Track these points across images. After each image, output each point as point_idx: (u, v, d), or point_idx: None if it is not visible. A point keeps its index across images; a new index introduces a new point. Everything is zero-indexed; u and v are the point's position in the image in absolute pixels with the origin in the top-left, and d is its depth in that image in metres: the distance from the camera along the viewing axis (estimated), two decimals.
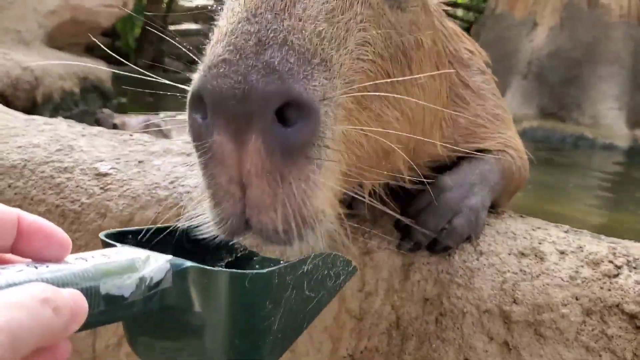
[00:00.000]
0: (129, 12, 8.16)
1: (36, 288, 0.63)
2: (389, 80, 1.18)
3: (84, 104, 5.86)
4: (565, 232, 1.56)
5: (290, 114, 0.91)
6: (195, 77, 0.95)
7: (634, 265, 1.44)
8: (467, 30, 12.58)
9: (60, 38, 6.69)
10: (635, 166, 7.81)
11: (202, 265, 0.84)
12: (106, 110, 3.82)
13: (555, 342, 1.36)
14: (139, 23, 11.05)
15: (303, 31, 0.98)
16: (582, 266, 1.43)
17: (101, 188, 1.58)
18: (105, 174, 1.60)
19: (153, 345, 0.89)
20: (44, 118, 1.92)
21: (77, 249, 1.54)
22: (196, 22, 13.66)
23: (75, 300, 0.67)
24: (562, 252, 1.46)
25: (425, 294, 1.41)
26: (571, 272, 1.41)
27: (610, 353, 1.35)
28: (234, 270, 0.85)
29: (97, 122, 3.96)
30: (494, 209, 1.64)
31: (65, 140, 1.73)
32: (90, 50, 9.25)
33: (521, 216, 1.64)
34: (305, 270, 0.91)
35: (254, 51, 0.92)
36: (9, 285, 0.63)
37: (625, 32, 9.32)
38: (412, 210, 1.46)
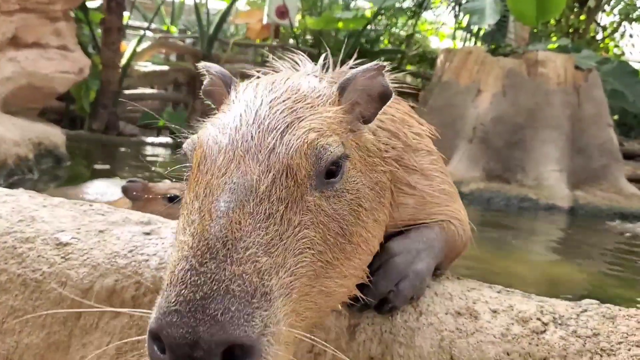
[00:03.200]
0: (85, 78, 8.22)
1: None
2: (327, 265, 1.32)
3: (37, 169, 5.85)
4: (498, 292, 1.69)
5: (236, 351, 1.08)
6: (153, 315, 1.12)
7: (559, 322, 1.57)
8: (415, 96, 13.06)
9: (15, 103, 6.70)
10: (576, 225, 8.14)
11: None
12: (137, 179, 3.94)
13: None
14: (94, 87, 11.09)
15: (244, 275, 1.14)
16: (512, 324, 1.56)
17: (62, 257, 1.65)
18: (66, 244, 1.68)
19: None
20: (5, 190, 1.98)
21: (38, 316, 1.59)
22: (151, 86, 13.81)
23: None
24: (494, 311, 1.59)
25: (370, 353, 1.51)
26: (502, 329, 1.54)
27: None
28: None
29: (125, 191, 4.01)
30: (436, 271, 1.78)
31: (27, 211, 1.80)
32: (43, 114, 9.23)
33: (458, 278, 1.77)
34: None
35: (201, 305, 1.09)
36: None
37: (563, 99, 9.85)
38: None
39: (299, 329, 1.23)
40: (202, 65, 1.64)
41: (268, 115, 1.36)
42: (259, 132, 1.32)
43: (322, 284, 1.31)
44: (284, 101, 1.41)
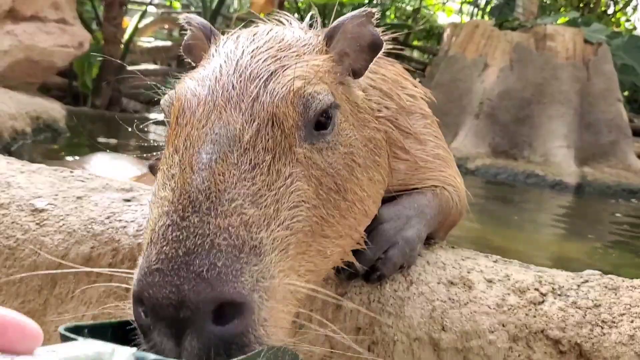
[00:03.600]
0: (85, 52, 8.12)
1: None
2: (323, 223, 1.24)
3: (34, 143, 5.80)
4: (494, 261, 1.61)
5: (225, 310, 1.00)
6: (135, 276, 1.03)
7: (558, 292, 1.49)
8: (422, 71, 12.90)
9: (14, 77, 6.63)
10: (583, 201, 8.05)
11: (163, 358, 0.88)
12: None
13: None
14: (96, 64, 10.99)
15: (230, 228, 1.05)
16: (508, 294, 1.48)
17: (37, 224, 1.57)
18: (42, 210, 1.60)
19: None
20: None
21: (11, 284, 1.53)
22: (155, 62, 13.70)
23: None
24: (489, 281, 1.51)
25: (357, 323, 1.44)
26: (498, 299, 1.46)
27: None
28: None
29: (152, 169, 3.91)
30: (430, 241, 1.70)
31: (2, 177, 1.72)
32: (47, 91, 9.15)
33: (452, 247, 1.69)
34: None
35: (184, 261, 1.00)
36: None
37: (571, 74, 9.70)
38: None
39: (301, 293, 1.16)
40: (183, 17, 1.55)
41: (250, 64, 1.28)
42: (241, 80, 1.24)
43: (319, 242, 1.24)
44: (267, 50, 1.33)
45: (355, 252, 1.46)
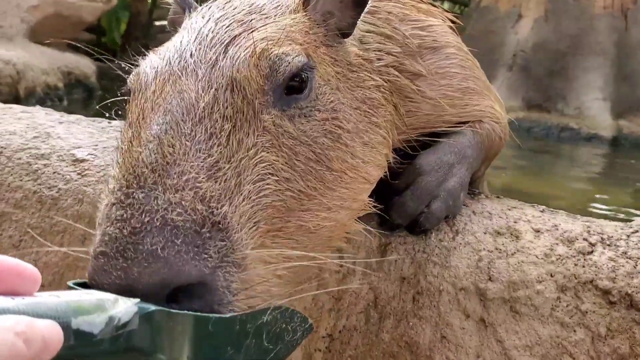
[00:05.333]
0: (113, 7, 8.10)
1: (10, 321, 0.67)
2: (300, 199, 1.14)
3: (68, 99, 5.85)
4: (541, 211, 1.57)
5: (192, 290, 0.92)
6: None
7: (607, 242, 1.46)
8: (453, 23, 12.58)
9: (44, 33, 6.64)
10: (619, 155, 7.87)
11: (168, 309, 0.87)
12: None
13: (530, 318, 1.38)
14: (124, 19, 10.96)
15: (183, 202, 0.96)
16: (556, 244, 1.44)
17: (78, 174, 1.58)
18: (83, 160, 1.60)
19: None
20: (21, 107, 1.91)
21: (55, 234, 1.54)
22: None
23: (50, 332, 0.71)
24: (537, 231, 1.48)
25: (402, 273, 1.42)
26: (546, 249, 1.43)
27: (585, 328, 1.37)
28: (198, 313, 0.89)
29: None
30: (474, 177, 1.66)
31: (42, 127, 1.72)
32: (75, 47, 9.18)
33: (497, 197, 1.65)
34: (264, 320, 0.96)
35: (131, 241, 0.92)
36: None
37: (609, 24, 9.38)
38: (392, 193, 1.47)
39: (285, 271, 1.07)
40: None
41: (212, 30, 1.19)
42: (200, 48, 1.16)
43: (299, 217, 1.14)
44: (233, 15, 1.24)
45: (396, 207, 1.42)
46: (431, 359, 1.39)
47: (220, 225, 0.98)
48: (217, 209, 0.99)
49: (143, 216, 0.94)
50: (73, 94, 6.17)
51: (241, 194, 1.03)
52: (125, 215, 0.95)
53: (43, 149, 1.63)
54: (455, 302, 1.39)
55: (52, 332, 0.71)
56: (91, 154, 1.62)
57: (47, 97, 5.42)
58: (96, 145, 1.66)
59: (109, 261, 0.91)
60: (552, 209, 1.62)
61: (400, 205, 1.43)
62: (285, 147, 1.13)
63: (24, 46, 5.70)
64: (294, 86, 1.18)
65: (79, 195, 1.54)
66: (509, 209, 1.54)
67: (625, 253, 1.42)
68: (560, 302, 1.38)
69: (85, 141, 1.68)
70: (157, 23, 12.11)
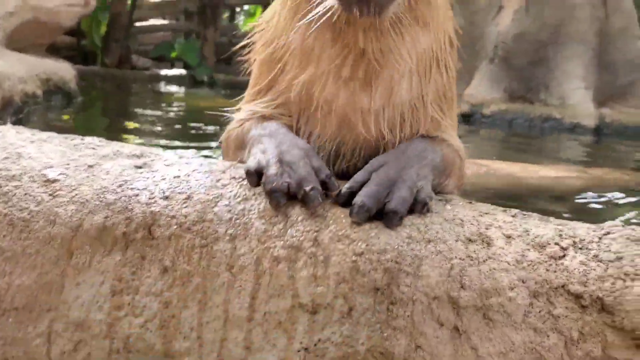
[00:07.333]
0: (91, 11, 8.02)
1: None
2: None
3: (46, 107, 5.79)
4: (513, 216, 1.58)
5: None
6: None
7: (579, 246, 1.47)
8: None
9: (21, 39, 6.57)
10: (602, 143, 7.93)
11: None
12: None
13: (503, 325, 1.39)
14: (104, 21, 10.87)
15: None
16: (528, 249, 1.46)
17: (50, 195, 1.57)
18: (54, 180, 1.59)
19: None
20: None
21: (27, 257, 1.53)
22: (163, 17, 13.50)
23: None
24: (508, 237, 1.49)
25: (375, 284, 1.42)
26: (517, 255, 1.44)
27: (558, 333, 1.38)
28: None
29: None
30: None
31: (12, 147, 1.71)
32: (56, 51, 9.09)
33: (470, 202, 1.66)
34: None
35: None
36: None
37: (590, 13, 9.41)
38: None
39: None
40: None
41: None
42: None
43: None
44: None
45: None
46: None
47: None
48: None
49: None
50: (52, 101, 6.12)
51: None
52: None
53: (14, 170, 1.62)
54: (428, 311, 1.40)
55: None
56: (62, 174, 1.61)
57: (26, 106, 5.36)
58: (68, 164, 1.65)
59: None
60: (524, 212, 1.63)
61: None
62: None
63: (1, 54, 5.63)
64: None
65: (51, 216, 1.53)
66: (481, 215, 1.55)
67: (597, 256, 1.43)
68: (532, 307, 1.39)
69: (56, 160, 1.67)
70: (138, 24, 12.03)
